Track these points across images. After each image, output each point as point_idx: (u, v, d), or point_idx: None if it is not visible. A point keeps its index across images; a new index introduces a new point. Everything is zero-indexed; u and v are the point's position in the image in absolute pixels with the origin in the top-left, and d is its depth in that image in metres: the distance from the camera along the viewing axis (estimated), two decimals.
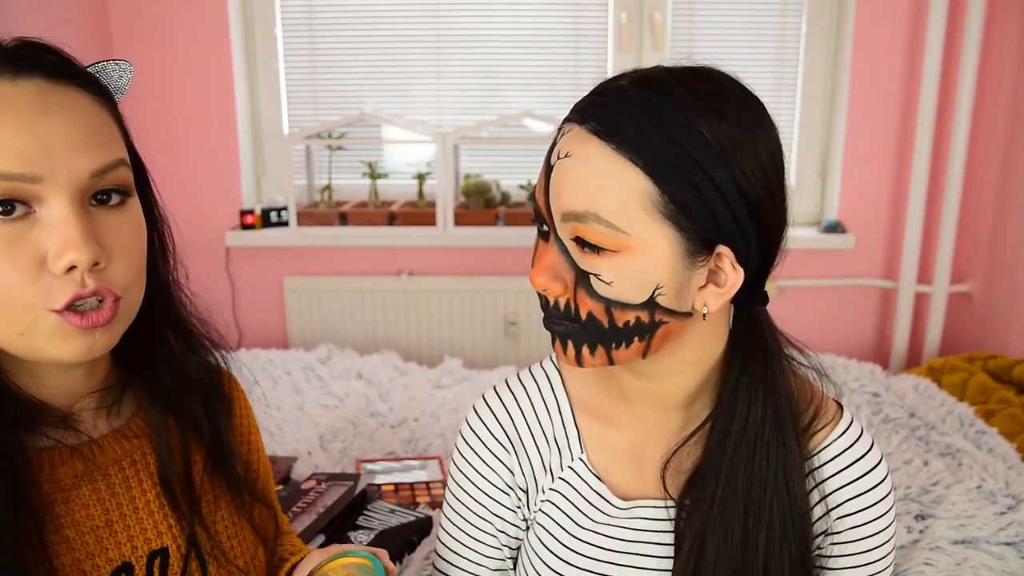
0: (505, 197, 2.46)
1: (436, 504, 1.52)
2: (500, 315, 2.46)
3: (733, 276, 0.66)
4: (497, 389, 0.83)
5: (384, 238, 2.39)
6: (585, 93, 0.69)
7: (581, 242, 0.65)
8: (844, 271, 2.43)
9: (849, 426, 0.77)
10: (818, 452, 0.75)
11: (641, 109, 0.63)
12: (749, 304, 0.72)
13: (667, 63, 0.69)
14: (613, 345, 0.67)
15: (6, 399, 0.61)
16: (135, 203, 0.66)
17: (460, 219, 2.37)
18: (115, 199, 0.64)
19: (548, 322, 0.69)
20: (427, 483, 1.59)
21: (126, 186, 0.64)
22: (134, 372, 0.74)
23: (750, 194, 0.64)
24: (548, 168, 0.67)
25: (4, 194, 0.58)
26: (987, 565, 1.26)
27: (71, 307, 0.60)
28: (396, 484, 1.58)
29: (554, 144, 0.67)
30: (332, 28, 2.42)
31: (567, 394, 0.80)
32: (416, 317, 2.47)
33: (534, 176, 2.47)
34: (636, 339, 0.67)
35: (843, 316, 2.48)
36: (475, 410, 0.83)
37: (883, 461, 0.77)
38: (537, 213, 0.69)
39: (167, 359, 0.70)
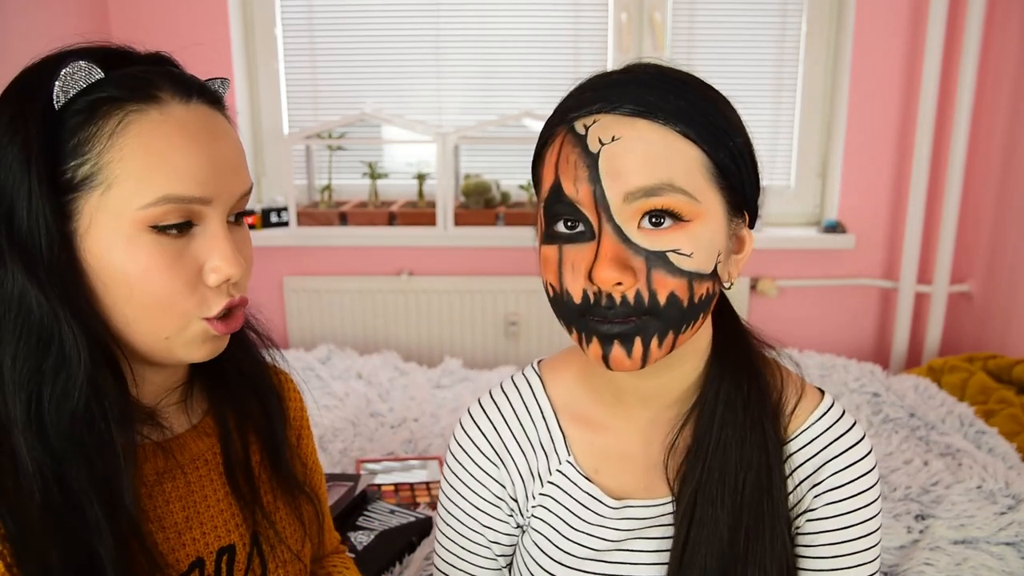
0: (505, 197, 2.46)
1: (436, 504, 1.52)
2: (500, 315, 2.46)
3: (749, 241, 0.70)
4: (481, 402, 0.83)
5: (384, 238, 2.39)
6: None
7: (655, 218, 0.63)
8: (844, 271, 2.43)
9: (829, 409, 0.77)
10: (797, 435, 0.76)
11: (666, 86, 0.65)
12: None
13: (665, 63, 0.70)
14: (684, 327, 0.66)
15: (121, 398, 0.64)
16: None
17: (460, 219, 2.37)
18: (242, 218, 0.70)
19: (606, 326, 0.65)
20: (427, 483, 1.59)
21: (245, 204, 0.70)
22: (200, 369, 0.77)
23: (753, 164, 0.69)
24: (589, 158, 0.64)
25: (181, 215, 0.63)
26: (987, 565, 1.26)
27: (219, 316, 0.66)
28: (396, 484, 1.58)
29: (580, 137, 0.65)
30: (332, 28, 2.42)
31: (549, 400, 0.81)
32: (416, 317, 2.47)
33: None
34: (701, 315, 0.68)
35: (843, 316, 2.48)
36: (461, 425, 0.83)
37: (864, 441, 0.76)
38: (571, 212, 0.65)
39: (227, 355, 0.73)
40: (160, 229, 0.63)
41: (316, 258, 2.47)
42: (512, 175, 2.51)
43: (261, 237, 2.38)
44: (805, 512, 0.75)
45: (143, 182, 0.61)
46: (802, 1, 2.34)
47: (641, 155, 0.63)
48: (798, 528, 0.76)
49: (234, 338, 0.74)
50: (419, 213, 2.40)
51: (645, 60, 0.70)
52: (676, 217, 0.64)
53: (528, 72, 2.43)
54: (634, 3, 2.33)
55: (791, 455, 0.75)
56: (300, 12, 2.41)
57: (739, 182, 0.67)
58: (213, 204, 0.64)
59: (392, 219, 2.41)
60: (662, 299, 0.64)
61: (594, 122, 0.65)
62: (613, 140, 0.64)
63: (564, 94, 0.70)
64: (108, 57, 0.65)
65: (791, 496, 0.75)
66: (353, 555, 1.29)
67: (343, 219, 2.42)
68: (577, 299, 0.66)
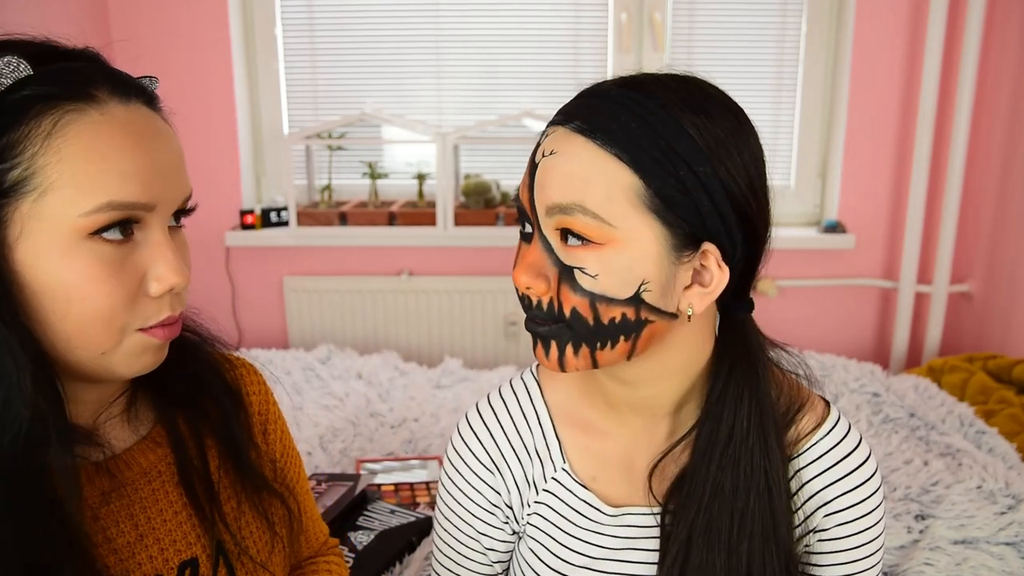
0: (505, 197, 2.46)
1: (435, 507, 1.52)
2: (500, 315, 2.46)
3: (719, 275, 0.66)
4: (479, 407, 0.83)
5: (384, 238, 2.39)
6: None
7: (566, 235, 0.65)
8: (844, 271, 2.43)
9: (836, 424, 0.77)
10: (804, 451, 0.75)
11: (624, 107, 0.64)
12: (735, 310, 0.72)
13: (667, 63, 0.69)
14: (598, 345, 0.66)
15: (60, 421, 0.59)
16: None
17: (460, 219, 2.37)
18: (181, 220, 0.66)
19: (530, 324, 0.69)
20: (427, 483, 1.59)
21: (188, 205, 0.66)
22: (144, 378, 0.73)
23: (734, 191, 0.64)
24: (532, 167, 0.67)
25: (119, 221, 0.59)
26: (987, 565, 1.26)
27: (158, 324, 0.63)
28: (396, 484, 1.58)
29: (538, 146, 0.68)
30: (332, 28, 2.42)
31: (546, 405, 0.80)
32: (416, 317, 2.47)
33: None
34: (622, 338, 0.66)
35: (843, 316, 2.48)
36: (459, 431, 0.83)
37: (871, 458, 0.76)
38: (521, 212, 0.69)
39: (170, 359, 0.69)
40: (100, 237, 0.58)
41: (316, 258, 2.47)
42: (512, 175, 2.51)
43: (261, 237, 2.38)
44: (816, 531, 0.76)
45: (84, 187, 0.57)
46: (802, 1, 2.34)
47: (564, 173, 0.64)
48: (808, 546, 0.76)
49: (174, 343, 0.69)
50: (419, 213, 2.40)
51: (655, 70, 0.68)
52: (584, 238, 0.64)
53: (528, 72, 2.43)
54: (634, 3, 2.33)
55: (799, 471, 0.75)
56: (300, 12, 2.41)
57: (692, 215, 0.63)
58: (156, 210, 0.61)
59: (392, 219, 2.41)
60: (567, 312, 0.66)
61: (552, 132, 0.67)
62: (552, 153, 0.65)
63: (564, 94, 0.70)
64: (33, 52, 0.60)
65: (799, 512, 0.75)
66: (353, 555, 1.29)
67: (343, 219, 2.42)
68: (520, 295, 0.69)
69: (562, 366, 0.68)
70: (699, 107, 0.64)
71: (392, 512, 1.43)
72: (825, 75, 2.38)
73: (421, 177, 2.45)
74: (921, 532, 1.34)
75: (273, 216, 2.41)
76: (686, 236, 0.64)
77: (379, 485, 1.57)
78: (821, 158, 2.45)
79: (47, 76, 0.58)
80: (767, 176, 0.69)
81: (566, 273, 0.65)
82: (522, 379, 0.83)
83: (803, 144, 2.43)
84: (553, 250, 0.66)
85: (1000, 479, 1.48)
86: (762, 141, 0.69)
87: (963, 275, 2.36)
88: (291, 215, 2.37)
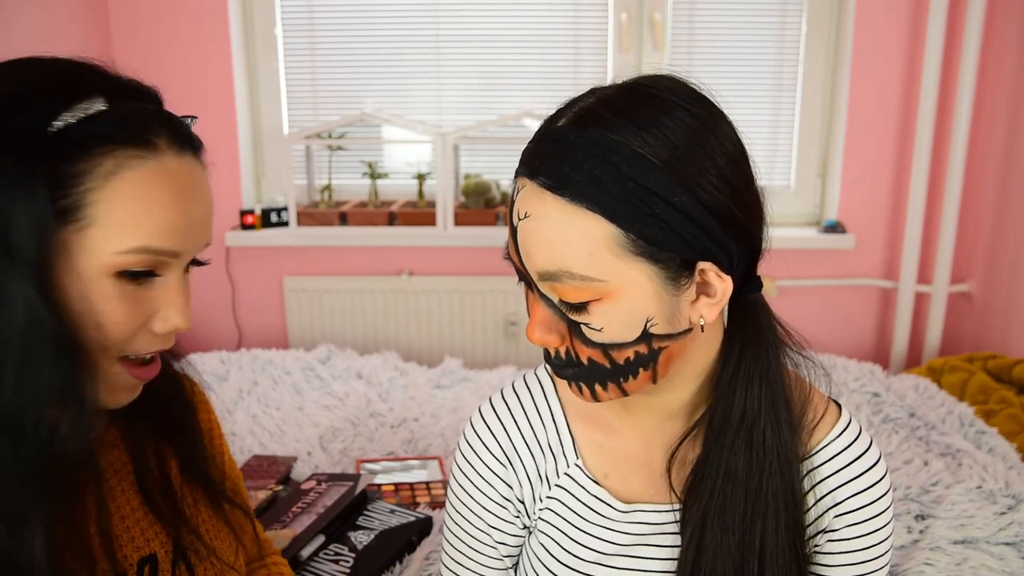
0: (505, 197, 2.46)
1: (436, 504, 1.52)
2: (500, 315, 2.46)
3: (722, 286, 0.65)
4: (492, 401, 0.83)
5: (384, 238, 2.39)
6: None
7: (563, 301, 0.65)
8: (844, 271, 2.43)
9: (848, 425, 0.77)
10: (816, 452, 0.76)
11: (585, 152, 0.61)
12: (744, 293, 0.71)
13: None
14: (621, 379, 0.68)
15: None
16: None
17: (460, 219, 2.37)
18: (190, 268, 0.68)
19: (555, 370, 0.70)
20: (427, 483, 1.59)
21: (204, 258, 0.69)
22: None
23: (717, 207, 0.62)
24: (513, 229, 0.67)
25: (147, 265, 0.62)
26: (987, 565, 1.26)
27: (141, 360, 0.65)
28: (396, 484, 1.58)
29: (512, 202, 0.67)
30: (332, 28, 2.42)
31: (560, 401, 0.81)
32: (416, 317, 2.47)
33: None
34: (641, 370, 0.67)
35: (843, 316, 2.48)
36: (471, 425, 0.83)
37: (881, 460, 0.77)
38: (517, 270, 0.69)
39: None
40: (125, 276, 0.62)
41: (316, 258, 2.47)
42: (512, 175, 2.51)
43: (261, 237, 2.38)
44: (826, 532, 0.76)
45: (126, 229, 0.60)
46: (802, 1, 2.34)
47: (542, 239, 0.63)
48: (817, 546, 0.77)
49: None
50: (419, 213, 2.40)
51: (603, 82, 0.67)
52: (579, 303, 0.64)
53: (528, 72, 2.43)
54: (634, 3, 2.33)
55: (812, 470, 0.75)
56: (300, 12, 2.41)
57: (678, 245, 0.62)
58: (180, 257, 0.65)
59: (392, 219, 2.41)
60: (584, 361, 0.67)
61: (523, 187, 0.65)
62: (526, 216, 0.64)
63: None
64: (107, 86, 0.62)
65: (811, 512, 0.75)
66: (353, 555, 1.29)
67: (343, 219, 2.42)
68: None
69: (596, 399, 0.70)
70: (658, 125, 0.62)
71: (392, 512, 1.43)
72: (825, 75, 2.38)
73: (421, 177, 2.45)
74: (921, 532, 1.34)
75: (273, 216, 2.41)
76: (679, 265, 0.63)
77: (379, 485, 1.57)
78: (821, 158, 2.45)
79: (117, 116, 0.61)
80: (750, 167, 0.66)
81: (574, 327, 0.66)
82: (536, 375, 0.83)
83: (803, 144, 2.43)
84: (556, 306, 0.66)
85: (1000, 479, 1.48)
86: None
87: (963, 275, 2.36)
88: (291, 215, 2.37)
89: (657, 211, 0.61)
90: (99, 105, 0.60)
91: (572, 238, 0.62)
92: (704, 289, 0.66)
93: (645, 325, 0.65)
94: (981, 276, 2.28)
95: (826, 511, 0.75)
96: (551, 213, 0.62)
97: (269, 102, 2.46)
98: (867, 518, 0.76)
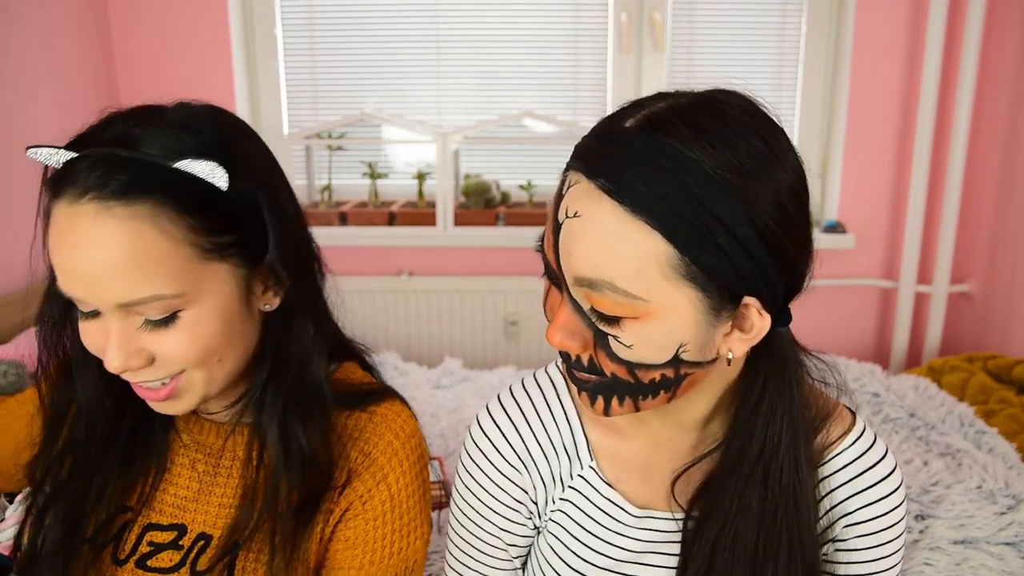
0: (505, 197, 2.46)
1: (436, 504, 1.52)
2: (500, 315, 2.46)
3: (760, 323, 0.63)
4: (502, 401, 0.80)
5: (384, 238, 2.39)
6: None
7: (596, 311, 0.62)
8: (844, 271, 2.43)
9: (862, 434, 0.75)
10: (830, 460, 0.74)
11: (653, 162, 0.57)
12: (774, 326, 0.67)
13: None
14: (640, 397, 0.65)
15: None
16: (186, 317, 0.69)
17: (460, 219, 2.37)
18: (157, 320, 0.69)
19: (572, 375, 0.67)
20: None
21: (162, 314, 0.68)
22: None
23: (773, 242, 0.59)
24: (556, 225, 0.62)
25: (79, 305, 0.69)
26: (987, 565, 1.26)
27: (141, 384, 0.72)
28: None
29: (560, 196, 0.62)
30: (332, 28, 2.42)
31: (574, 402, 0.78)
32: (416, 317, 2.47)
33: (534, 176, 2.47)
34: (663, 392, 0.65)
35: (843, 316, 2.48)
36: (481, 426, 0.80)
37: (896, 472, 0.75)
38: (547, 267, 0.65)
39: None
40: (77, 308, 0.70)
41: None
42: (512, 175, 2.51)
43: None
44: (835, 541, 0.75)
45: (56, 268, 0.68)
46: (802, 1, 2.34)
47: (590, 243, 0.59)
48: (826, 555, 0.75)
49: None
50: (419, 213, 2.40)
51: (671, 87, 0.64)
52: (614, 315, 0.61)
53: (528, 72, 2.43)
54: (634, 3, 2.33)
55: (824, 478, 0.74)
56: (300, 12, 2.41)
57: (731, 277, 0.59)
58: (96, 306, 0.68)
59: (392, 219, 2.41)
60: (607, 374, 0.64)
61: (576, 183, 0.61)
62: (576, 216, 0.60)
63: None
64: (94, 129, 0.69)
65: (822, 520, 0.74)
66: None
67: (343, 219, 2.42)
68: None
69: (607, 414, 0.67)
70: (727, 141, 0.58)
71: None
72: (825, 75, 2.38)
73: (421, 177, 2.45)
74: (921, 532, 1.34)
75: None
76: (724, 297, 0.60)
77: None
78: (821, 158, 2.45)
79: (66, 164, 0.67)
80: (808, 194, 0.63)
81: (601, 337, 0.62)
82: (547, 373, 0.81)
83: (803, 144, 2.43)
84: (585, 312, 0.63)
85: (1000, 479, 1.48)
86: None
87: (963, 275, 2.36)
88: None
89: (719, 240, 0.57)
90: (64, 156, 0.66)
91: (622, 249, 0.58)
92: (740, 323, 0.63)
93: (677, 350, 0.62)
94: (981, 276, 2.28)
95: (836, 520, 0.74)
96: (606, 219, 0.58)
97: (269, 102, 2.46)
98: (877, 530, 0.74)
